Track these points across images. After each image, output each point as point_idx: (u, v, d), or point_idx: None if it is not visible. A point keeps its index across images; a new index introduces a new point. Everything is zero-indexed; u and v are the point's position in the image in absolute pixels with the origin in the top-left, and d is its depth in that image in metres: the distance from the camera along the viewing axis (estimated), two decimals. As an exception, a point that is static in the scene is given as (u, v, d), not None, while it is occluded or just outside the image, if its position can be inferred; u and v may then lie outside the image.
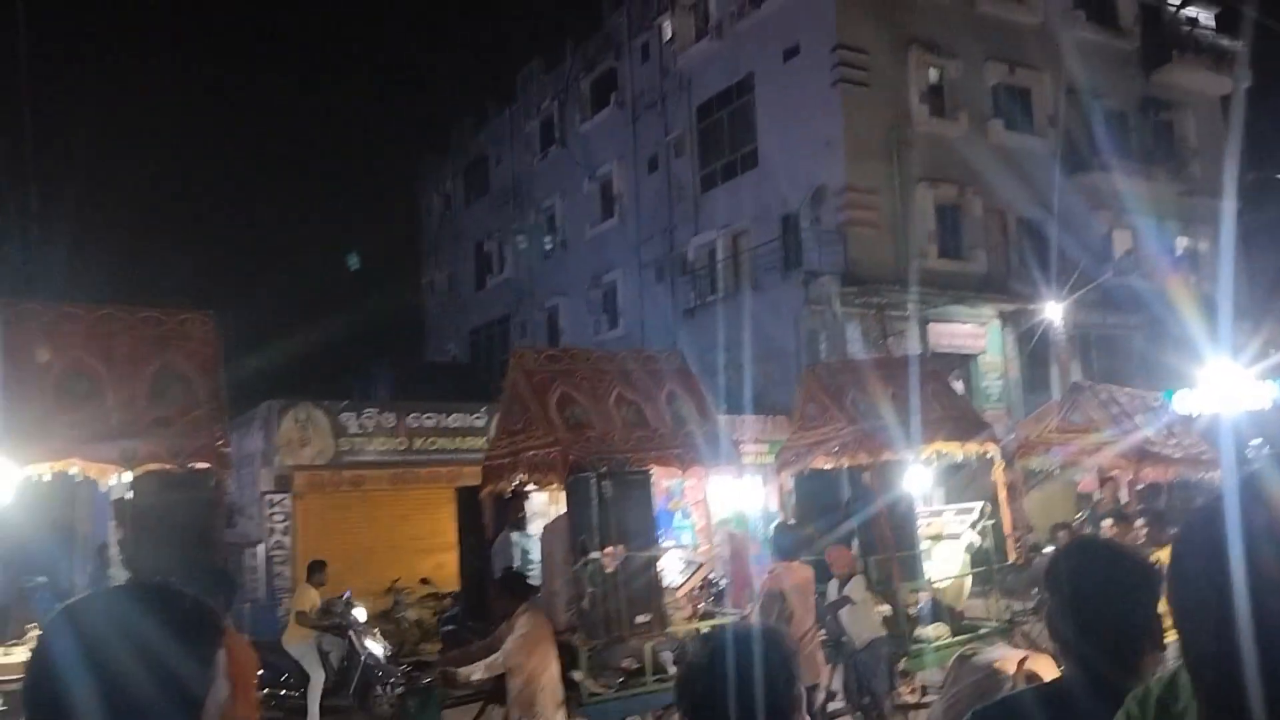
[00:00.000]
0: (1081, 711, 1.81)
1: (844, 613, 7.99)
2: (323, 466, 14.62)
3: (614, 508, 6.68)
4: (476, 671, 6.22)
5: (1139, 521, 9.89)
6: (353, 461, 14.79)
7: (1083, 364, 22.04)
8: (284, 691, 8.68)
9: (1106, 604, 1.85)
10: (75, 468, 5.46)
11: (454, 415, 15.51)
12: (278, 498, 14.36)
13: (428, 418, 15.35)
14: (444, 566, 12.96)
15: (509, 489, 7.73)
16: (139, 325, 5.85)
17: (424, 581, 14.03)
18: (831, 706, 8.20)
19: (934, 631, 8.61)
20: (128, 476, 5.54)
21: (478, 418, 15.57)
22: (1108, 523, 9.06)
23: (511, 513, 7.91)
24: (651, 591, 6.81)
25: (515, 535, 7.84)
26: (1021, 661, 2.93)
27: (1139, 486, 10.38)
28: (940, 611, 9.05)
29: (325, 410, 14.78)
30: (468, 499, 8.57)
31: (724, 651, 1.73)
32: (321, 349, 22.69)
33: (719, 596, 9.81)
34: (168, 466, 5.50)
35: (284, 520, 14.38)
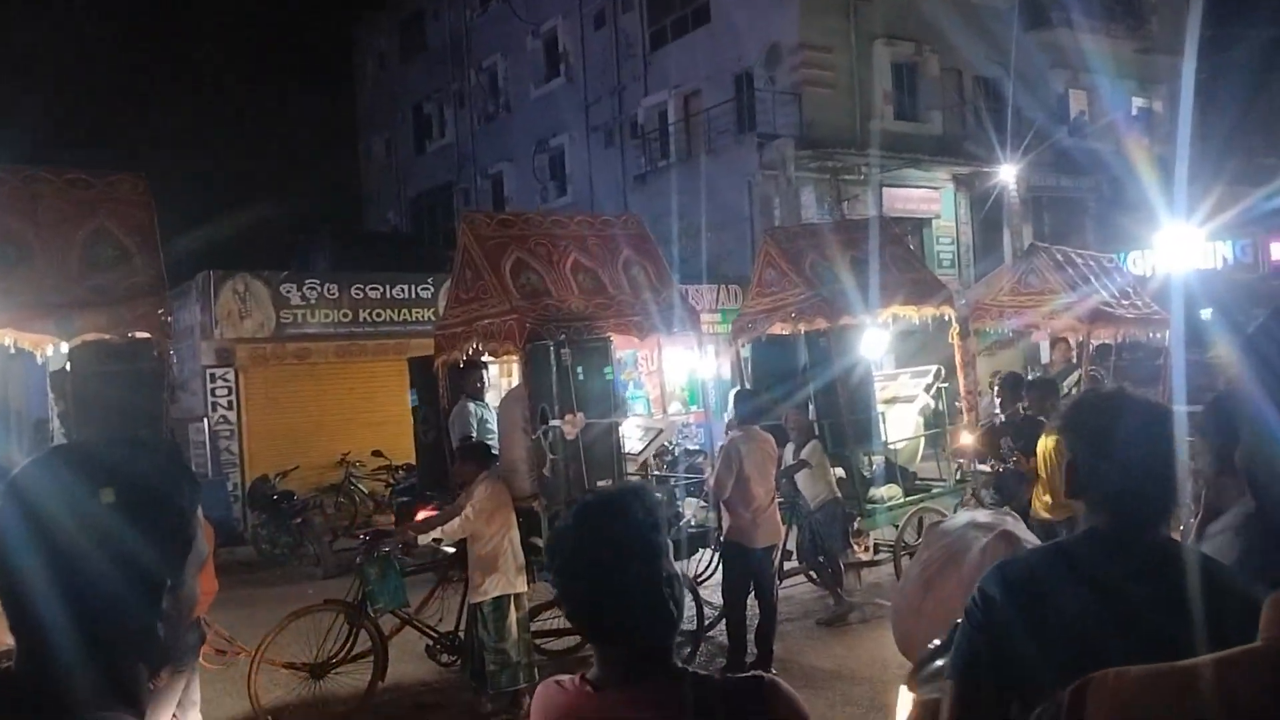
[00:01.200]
0: (1116, 563, 1.84)
1: (800, 476, 8.21)
2: (265, 339, 14.40)
3: (573, 375, 6.67)
4: (435, 532, 6.31)
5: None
6: (296, 334, 14.59)
7: (1035, 227, 22.32)
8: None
9: (1148, 451, 1.85)
10: (8, 339, 5.25)
11: (400, 286, 15.29)
12: (220, 372, 14.18)
13: (372, 288, 15.11)
14: (396, 438, 13.01)
15: (463, 358, 7.67)
16: (67, 188, 5.54)
17: (376, 454, 14.11)
18: (788, 565, 8.51)
19: (887, 492, 8.90)
20: (65, 348, 5.35)
21: (424, 288, 15.37)
22: (1072, 378, 9.27)
23: (469, 382, 7.88)
24: (612, 458, 6.89)
25: (472, 405, 7.83)
26: (994, 527, 2.97)
27: (1094, 345, 10.64)
28: (894, 472, 9.34)
29: (264, 281, 14.46)
30: (421, 369, 8.50)
31: (588, 510, 1.76)
32: (256, 220, 22.06)
33: (675, 463, 10.02)
34: (106, 337, 5.32)
35: (228, 395, 14.25)
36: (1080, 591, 1.82)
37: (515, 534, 6.42)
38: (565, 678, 1.78)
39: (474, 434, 7.58)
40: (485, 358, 7.95)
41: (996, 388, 8.59)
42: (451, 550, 6.72)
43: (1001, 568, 1.93)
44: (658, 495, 1.88)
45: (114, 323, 5.33)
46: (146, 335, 5.49)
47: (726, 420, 8.08)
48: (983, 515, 3.17)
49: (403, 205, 31.17)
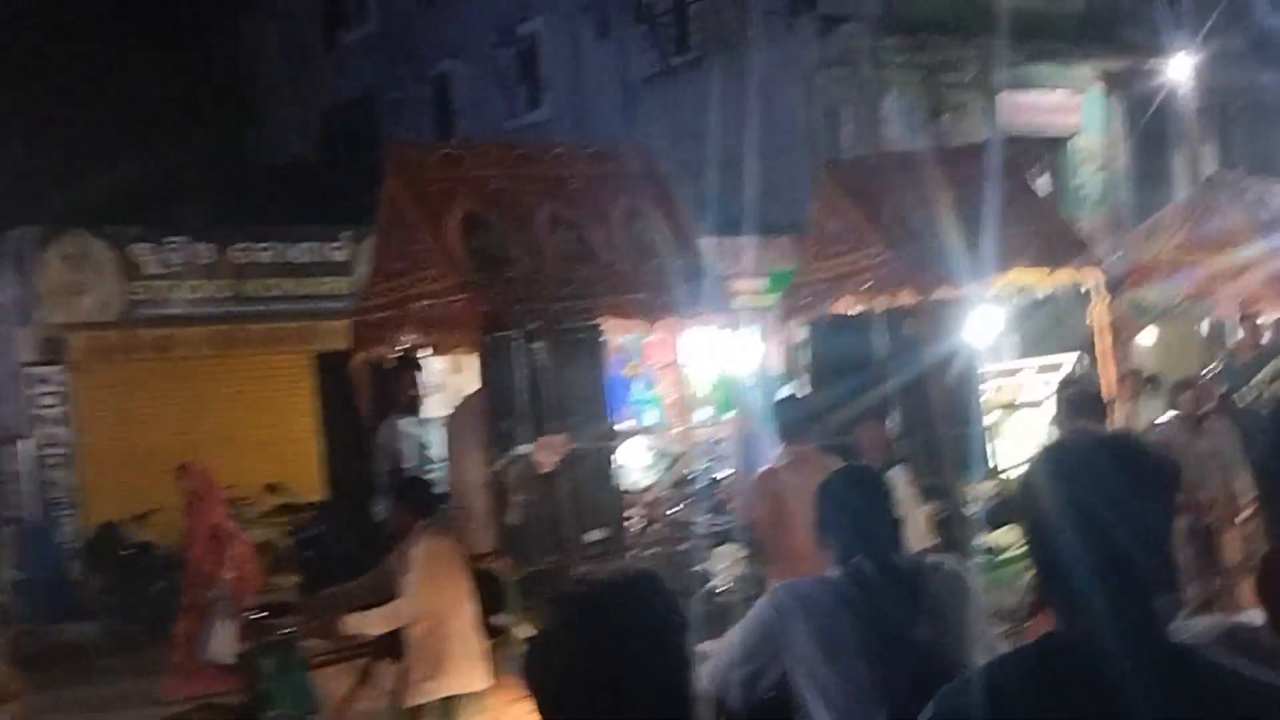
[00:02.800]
0: (1091, 674, 1.93)
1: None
2: (110, 324, 14.52)
3: (550, 380, 6.77)
4: (371, 624, 6.40)
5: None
6: (154, 316, 14.70)
7: (1221, 148, 22.27)
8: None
9: (1125, 523, 1.95)
10: None
11: (302, 244, 15.38)
12: (45, 372, 14.32)
13: (263, 249, 15.22)
14: (299, 466, 13.11)
15: (393, 355, 7.77)
16: None
17: (271, 489, 14.23)
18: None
19: (1004, 538, 8.97)
20: None
21: (338, 247, 15.48)
22: (1186, 394, 9.33)
23: (400, 389, 7.98)
24: (606, 498, 6.98)
25: (405, 422, 7.93)
26: None
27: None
28: (1014, 510, 9.40)
29: (108, 241, 14.56)
30: (332, 370, 8.60)
31: (583, 614, 1.80)
32: (96, 150, 22.09)
33: (707, 501, 10.10)
34: None
35: (57, 404, 14.39)
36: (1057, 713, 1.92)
37: (471, 609, 6.50)
38: None
39: (408, 463, 7.68)
40: (424, 353, 8.04)
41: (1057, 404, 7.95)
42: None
43: (936, 702, 2.02)
44: (668, 587, 1.92)
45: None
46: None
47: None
48: None
49: (308, 124, 31.23)
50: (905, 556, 3.90)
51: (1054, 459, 2.10)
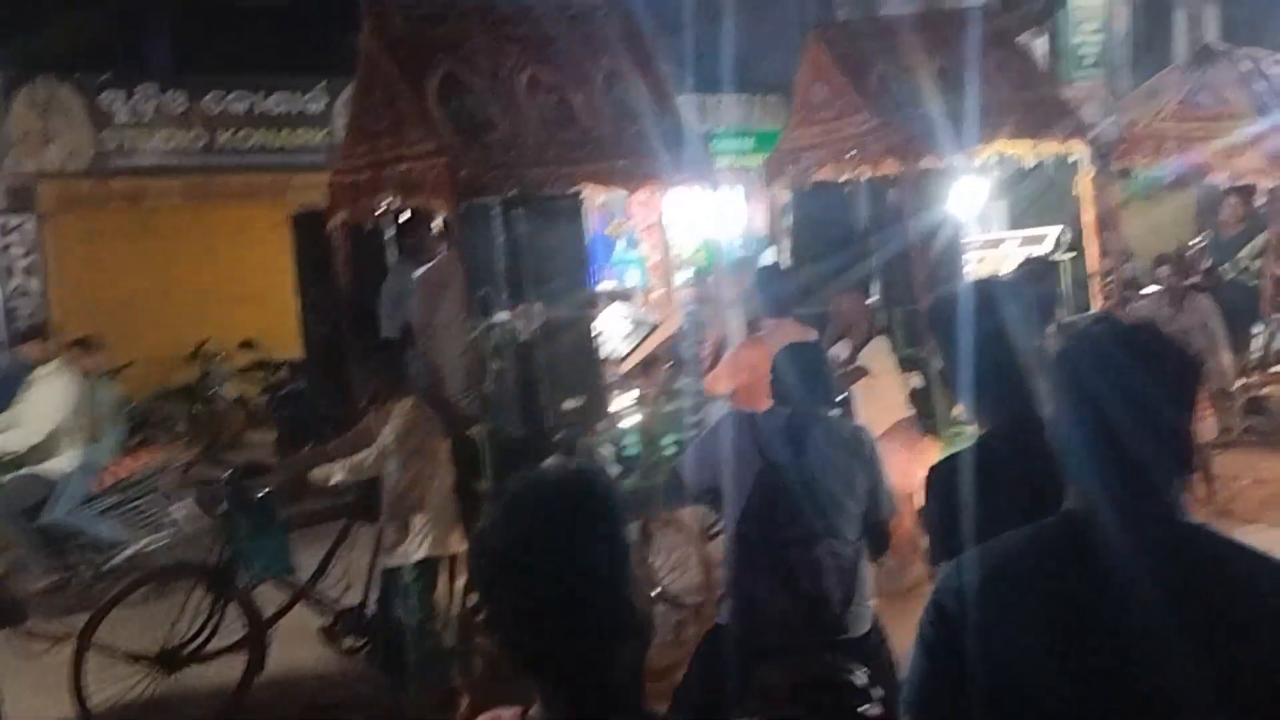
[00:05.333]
0: (1104, 551, 2.12)
1: (858, 387, 8.44)
2: (79, 174, 14.48)
3: (528, 247, 6.81)
4: (335, 473, 6.56)
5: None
6: (125, 166, 14.65)
7: (1223, 9, 22.04)
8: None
9: (1134, 412, 2.13)
10: None
11: (278, 94, 15.25)
12: (14, 221, 14.31)
13: (236, 97, 15.11)
14: (276, 322, 13.19)
15: (372, 216, 7.80)
16: None
17: (246, 345, 14.37)
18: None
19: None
20: None
21: (313, 98, 15.37)
22: (1163, 269, 9.46)
23: (418, 237, 7.95)
24: (584, 365, 7.08)
25: (419, 273, 7.85)
26: None
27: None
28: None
29: (77, 87, 14.43)
30: (308, 227, 8.62)
31: (524, 503, 1.94)
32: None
33: (686, 366, 10.22)
34: None
35: (26, 255, 14.40)
36: (1072, 591, 2.10)
37: (448, 475, 6.67)
38: (507, 713, 2.01)
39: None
40: (403, 216, 8.07)
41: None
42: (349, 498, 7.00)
43: (958, 569, 2.20)
44: (611, 479, 2.10)
45: None
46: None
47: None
48: None
49: (279, -37, 30.57)
50: (818, 413, 5.04)
51: (1085, 347, 2.27)
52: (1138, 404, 2.13)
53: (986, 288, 3.43)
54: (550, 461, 6.50)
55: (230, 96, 15.04)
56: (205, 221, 15.10)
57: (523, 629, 1.90)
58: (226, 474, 7.09)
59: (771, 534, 4.80)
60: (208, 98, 14.94)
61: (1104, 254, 9.79)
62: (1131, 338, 2.26)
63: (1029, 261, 9.14)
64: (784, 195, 10.06)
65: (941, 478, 3.17)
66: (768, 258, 11.19)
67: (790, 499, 4.75)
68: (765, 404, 7.03)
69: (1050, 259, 9.59)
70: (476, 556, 1.99)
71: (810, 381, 5.01)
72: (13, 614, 7.91)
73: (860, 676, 4.23)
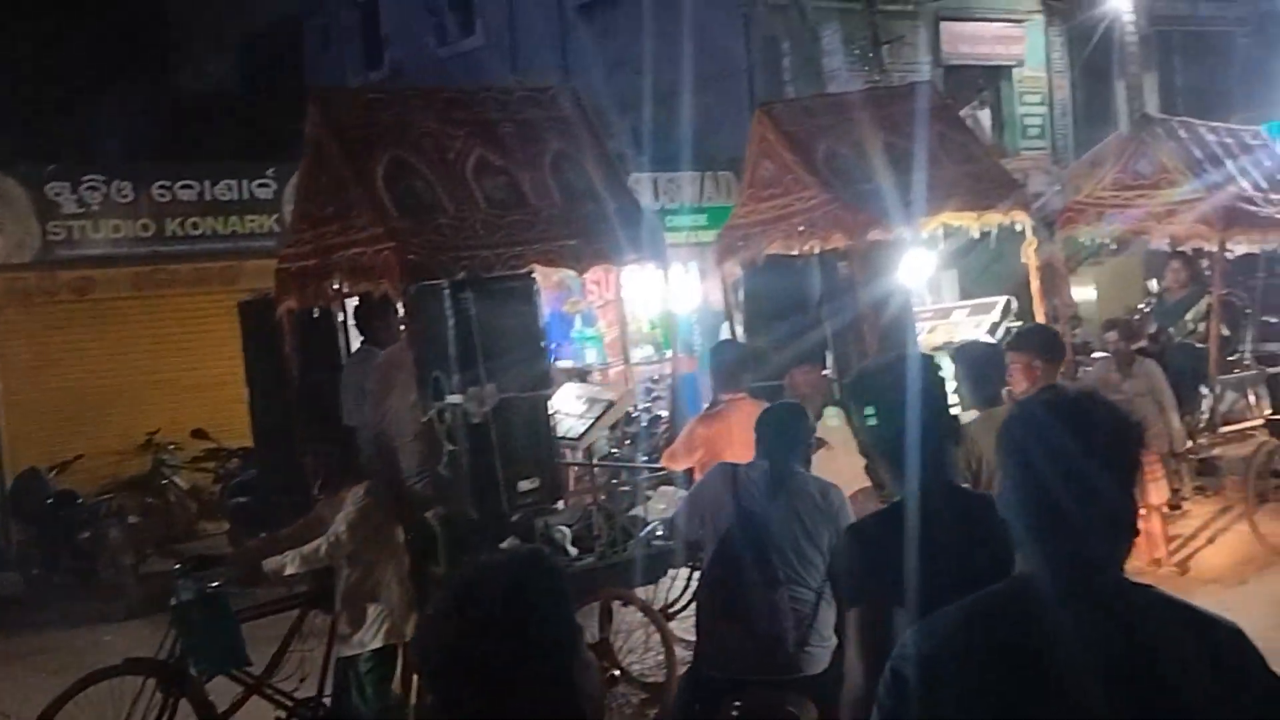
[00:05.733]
0: (1048, 621, 2.15)
1: (815, 459, 8.46)
2: (25, 266, 14.37)
3: (481, 328, 6.82)
4: (289, 564, 6.50)
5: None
6: (73, 258, 14.56)
7: (1162, 78, 22.56)
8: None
9: (1069, 483, 2.17)
10: None
11: (226, 181, 15.24)
12: (-41, 315, 14.19)
13: (184, 186, 15.06)
14: (228, 411, 13.10)
15: (322, 302, 7.80)
16: None
17: (198, 434, 14.22)
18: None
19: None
20: None
21: (263, 184, 15.37)
22: (1111, 334, 9.56)
23: (368, 322, 7.95)
24: (540, 446, 7.08)
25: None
26: None
27: (1229, 256, 10.94)
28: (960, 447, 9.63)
29: (21, 179, 14.35)
30: (257, 317, 8.62)
31: (470, 590, 1.98)
32: (7, 86, 21.63)
33: (645, 443, 10.22)
34: None
35: (-28, 349, 14.27)
36: (1022, 659, 2.13)
37: (404, 560, 6.62)
38: None
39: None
40: (352, 302, 8.08)
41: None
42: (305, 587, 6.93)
43: (915, 638, 2.24)
44: (557, 562, 2.12)
45: None
46: None
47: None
48: None
49: (228, 51, 30.70)
50: (793, 468, 5.51)
51: (1026, 419, 2.33)
52: (1077, 472, 2.17)
53: (898, 364, 3.57)
54: (505, 545, 6.49)
55: (178, 185, 15.00)
56: (155, 311, 15.00)
57: (467, 716, 1.90)
58: (176, 567, 7.00)
59: (737, 576, 5.22)
60: (155, 186, 14.90)
61: (1052, 321, 9.91)
62: (1070, 407, 2.30)
63: (966, 345, 9.22)
64: (737, 271, 10.13)
65: (855, 535, 3.39)
66: (723, 333, 11.25)
67: (759, 545, 5.21)
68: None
69: (989, 339, 9.69)
70: (422, 644, 1.99)
71: (787, 438, 5.57)
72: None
73: (808, 711, 4.83)
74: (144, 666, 6.61)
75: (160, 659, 6.59)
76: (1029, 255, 9.96)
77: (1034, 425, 2.29)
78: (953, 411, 3.47)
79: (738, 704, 4.99)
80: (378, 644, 6.47)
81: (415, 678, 6.63)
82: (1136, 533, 2.25)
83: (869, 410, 3.31)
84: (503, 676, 1.88)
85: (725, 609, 5.31)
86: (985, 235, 10.07)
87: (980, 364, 6.23)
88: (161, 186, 14.92)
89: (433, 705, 2.00)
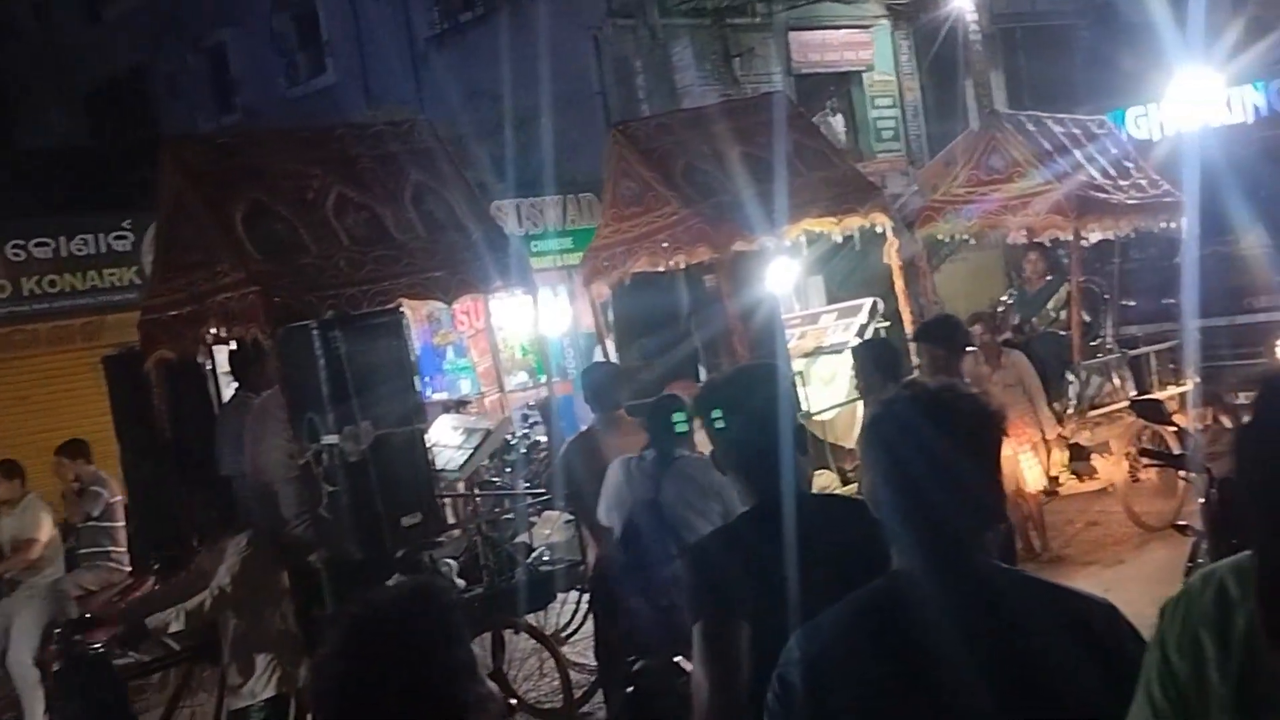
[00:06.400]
0: (923, 610, 2.24)
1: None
2: (-125, 335, 13.96)
3: (352, 367, 6.80)
4: (175, 620, 6.41)
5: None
6: (-74, 322, 14.15)
7: (1008, 73, 23.18)
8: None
9: (933, 473, 2.27)
10: None
11: (81, 236, 14.93)
12: None
13: (39, 244, 14.71)
14: (99, 468, 12.83)
15: (193, 350, 7.72)
16: None
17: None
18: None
19: (818, 482, 9.38)
20: None
21: (119, 236, 15.08)
22: (976, 328, 9.84)
23: (240, 369, 7.86)
24: (419, 480, 7.09)
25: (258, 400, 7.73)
26: None
27: (1084, 244, 11.29)
28: (824, 453, 9.83)
29: None
30: (123, 369, 8.49)
31: (358, 633, 2.02)
32: None
33: (524, 469, 10.26)
34: None
35: None
36: (902, 652, 2.21)
37: (288, 606, 6.57)
38: None
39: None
40: (228, 346, 8.00)
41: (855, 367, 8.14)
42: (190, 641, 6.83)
43: (799, 642, 2.31)
44: (450, 595, 2.15)
45: None
46: None
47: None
48: None
49: (75, 102, 30.09)
50: (675, 453, 6.21)
51: (890, 416, 2.41)
52: (940, 464, 2.26)
53: (745, 372, 3.75)
54: (392, 582, 6.48)
55: (32, 243, 14.65)
56: (15, 372, 14.61)
57: None
58: (56, 632, 6.87)
59: (639, 558, 5.95)
60: (9, 246, 14.53)
61: (917, 319, 10.14)
62: (931, 400, 2.39)
63: (865, 342, 9.44)
64: (605, 291, 10.23)
65: (695, 552, 3.41)
66: (597, 355, 11.34)
67: (654, 527, 5.96)
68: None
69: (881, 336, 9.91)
70: (315, 687, 2.00)
71: (668, 426, 6.22)
72: None
73: None
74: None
75: (45, 727, 6.47)
76: (891, 256, 10.21)
77: (897, 420, 2.37)
78: (799, 422, 3.55)
79: (637, 664, 5.62)
80: (269, 693, 6.40)
81: (310, 723, 6.60)
82: (1003, 518, 2.35)
83: (715, 414, 3.30)
84: (399, 715, 1.89)
85: (631, 586, 6.10)
86: (848, 239, 10.30)
87: (879, 358, 6.63)
88: (16, 246, 14.55)
89: None
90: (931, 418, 2.32)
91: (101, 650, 6.60)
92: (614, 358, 10.01)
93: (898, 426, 2.36)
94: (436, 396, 13.52)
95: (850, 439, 10.11)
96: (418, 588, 2.12)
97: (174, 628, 6.44)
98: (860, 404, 10.91)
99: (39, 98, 30.81)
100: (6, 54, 31.35)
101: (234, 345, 7.96)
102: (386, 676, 1.89)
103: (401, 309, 7.39)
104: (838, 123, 21.54)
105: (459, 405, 11.77)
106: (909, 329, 10.27)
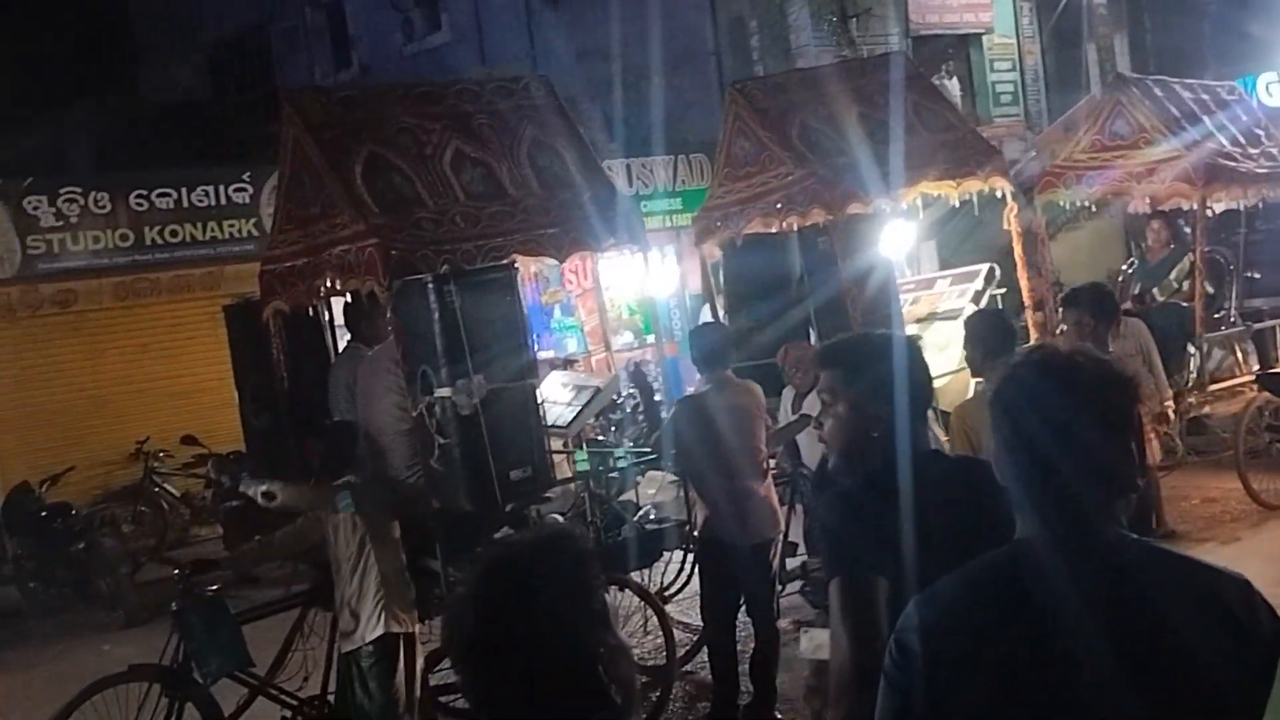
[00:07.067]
0: (1047, 580, 2.18)
1: (803, 438, 8.53)
2: (7, 281, 14.36)
3: (466, 321, 6.85)
4: (270, 493, 6.63)
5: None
6: (54, 270, 14.55)
7: (1132, 39, 22.57)
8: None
9: (1061, 440, 2.21)
10: None
11: (203, 188, 15.23)
12: (-55, 332, 14.20)
13: (161, 195, 15.04)
14: (216, 416, 13.15)
15: (309, 301, 7.83)
16: None
17: (188, 440, 14.24)
18: (792, 565, 8.88)
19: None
20: None
21: (239, 188, 15.35)
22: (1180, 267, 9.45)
23: (355, 320, 7.98)
24: (529, 435, 7.13)
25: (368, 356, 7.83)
26: None
27: (1209, 216, 11.00)
28: (936, 421, 9.70)
29: (0, 195, 14.35)
30: (243, 321, 8.64)
31: (495, 573, 2.01)
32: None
33: (624, 424, 10.28)
34: None
35: (-43, 367, 14.29)
36: (1025, 623, 2.15)
37: (398, 554, 6.67)
38: None
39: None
40: (344, 298, 8.09)
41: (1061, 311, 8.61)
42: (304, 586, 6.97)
43: (918, 608, 2.26)
44: (586, 543, 2.15)
45: None
46: None
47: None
48: None
49: (197, 58, 30.60)
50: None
51: (1017, 381, 2.34)
52: (1068, 430, 2.19)
53: (866, 339, 3.68)
54: (499, 535, 6.54)
55: (155, 193, 14.98)
56: (138, 320, 15.02)
57: (503, 698, 1.92)
58: (176, 573, 7.05)
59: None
60: (133, 196, 14.88)
61: (1034, 286, 9.97)
62: (1061, 366, 2.31)
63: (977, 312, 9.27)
64: (716, 252, 10.18)
65: (835, 504, 3.35)
66: (704, 315, 11.32)
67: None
68: (713, 457, 7.18)
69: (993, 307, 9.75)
70: (449, 626, 2.01)
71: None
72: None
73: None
74: (148, 673, 6.66)
75: (164, 664, 6.64)
76: (1010, 221, 10.02)
77: (1024, 385, 2.31)
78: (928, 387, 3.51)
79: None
80: (377, 635, 6.51)
81: (416, 670, 6.70)
82: (1135, 488, 2.27)
83: (842, 374, 3.33)
84: (527, 658, 1.89)
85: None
86: (964, 204, 10.14)
87: (992, 330, 6.41)
88: (139, 196, 14.90)
89: (462, 687, 2.02)
90: (1061, 382, 2.25)
91: (218, 591, 6.75)
92: (723, 319, 9.97)
93: (1025, 391, 2.30)
94: (543, 355, 13.62)
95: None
96: (554, 534, 2.11)
97: (261, 490, 6.71)
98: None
99: (164, 53, 31.41)
100: (133, 11, 32.02)
101: (349, 298, 8.05)
102: (519, 620, 1.90)
103: (515, 265, 7.42)
104: (954, 86, 21.13)
105: (566, 363, 11.82)
106: (1026, 298, 10.11)
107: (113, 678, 6.71)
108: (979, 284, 10.42)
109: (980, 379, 6.44)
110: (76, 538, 12.24)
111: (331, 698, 6.98)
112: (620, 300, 15.35)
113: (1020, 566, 2.22)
